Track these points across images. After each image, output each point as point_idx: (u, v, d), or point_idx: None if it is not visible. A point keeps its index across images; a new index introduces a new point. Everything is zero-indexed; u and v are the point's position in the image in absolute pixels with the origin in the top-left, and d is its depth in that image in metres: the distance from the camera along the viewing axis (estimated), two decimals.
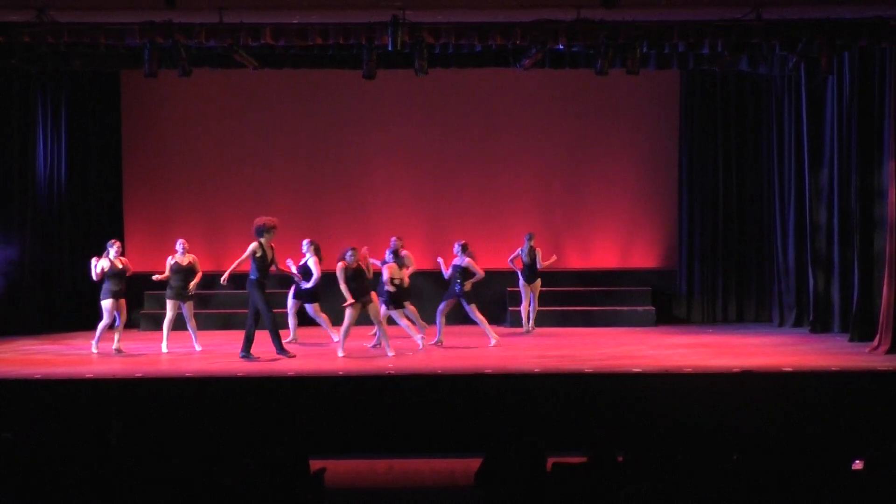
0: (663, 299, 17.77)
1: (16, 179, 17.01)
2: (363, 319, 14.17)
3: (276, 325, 13.72)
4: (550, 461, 7.07)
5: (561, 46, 13.07)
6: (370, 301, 13.81)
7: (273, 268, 13.90)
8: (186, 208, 18.22)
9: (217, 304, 17.42)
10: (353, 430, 11.88)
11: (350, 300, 13.67)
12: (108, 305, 14.04)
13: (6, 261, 16.83)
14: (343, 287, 13.73)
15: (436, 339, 14.84)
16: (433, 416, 11.99)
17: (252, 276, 13.64)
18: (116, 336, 14.16)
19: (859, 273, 14.73)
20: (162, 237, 17.23)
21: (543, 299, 16.51)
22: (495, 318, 16.97)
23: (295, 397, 12.09)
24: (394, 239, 15.09)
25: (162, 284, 14.52)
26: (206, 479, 6.90)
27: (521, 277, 16.19)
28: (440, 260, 15.26)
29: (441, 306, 14.99)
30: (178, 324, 14.50)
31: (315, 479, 7.67)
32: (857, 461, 7.18)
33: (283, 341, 13.89)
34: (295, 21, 12.70)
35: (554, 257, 16.39)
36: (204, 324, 16.08)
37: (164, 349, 14.27)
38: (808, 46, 13.43)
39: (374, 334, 14.60)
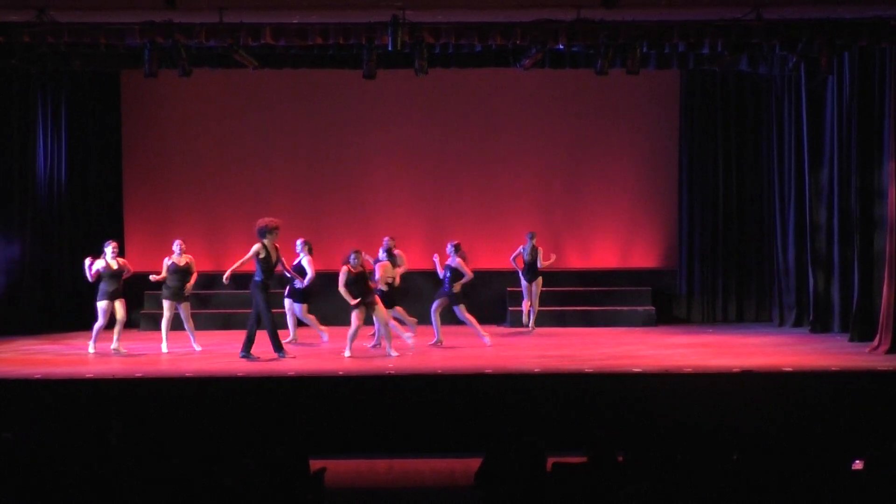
0: (663, 299, 17.77)
1: (16, 179, 17.02)
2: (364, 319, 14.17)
3: (276, 328, 13.72)
4: (550, 461, 7.07)
5: (561, 46, 13.07)
6: (374, 304, 13.79)
7: (279, 267, 13.91)
8: (186, 208, 18.22)
9: (217, 304, 17.41)
10: (353, 430, 11.88)
11: (354, 301, 13.66)
12: (103, 306, 14.04)
13: (7, 260, 16.85)
14: (343, 290, 13.73)
15: (435, 340, 14.84)
16: (433, 416, 11.99)
17: (257, 278, 13.63)
18: (116, 336, 14.15)
19: (859, 273, 14.73)
20: (162, 237, 17.21)
21: (543, 299, 16.51)
22: (496, 318, 16.99)
23: (295, 397, 12.09)
24: (386, 238, 15.12)
25: (161, 285, 14.51)
26: (206, 479, 6.90)
27: (521, 277, 16.21)
28: (436, 259, 15.26)
29: (434, 305, 14.98)
30: (178, 324, 14.50)
31: (315, 479, 7.67)
32: (857, 461, 7.18)
33: (283, 341, 13.89)
34: (295, 21, 12.70)
35: (553, 257, 16.38)
36: (204, 324, 16.09)
37: (164, 349, 14.27)
38: (808, 46, 13.44)
39: (374, 334, 14.61)
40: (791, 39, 13.23)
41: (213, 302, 17.42)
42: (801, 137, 16.26)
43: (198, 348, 14.32)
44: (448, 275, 14.78)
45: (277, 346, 13.62)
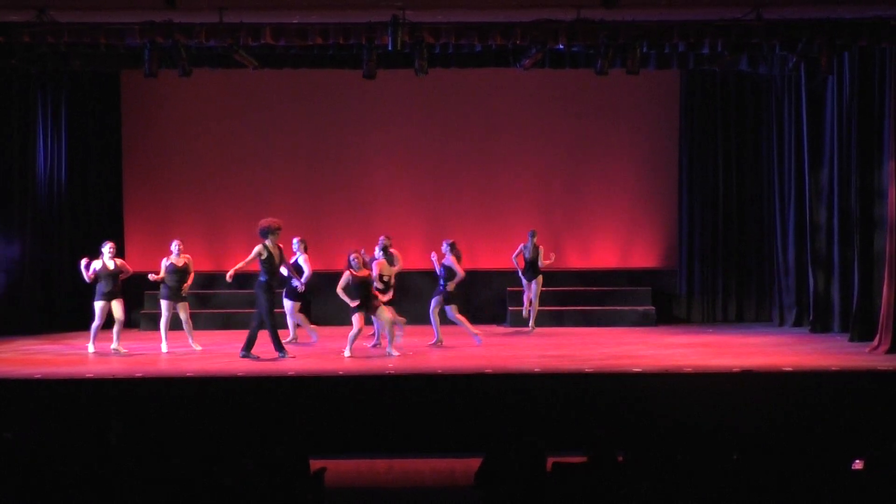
0: (663, 299, 17.77)
1: (16, 179, 17.02)
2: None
3: (276, 329, 13.72)
4: (550, 461, 7.08)
5: (561, 46, 13.08)
6: (377, 307, 13.78)
7: (283, 267, 13.92)
8: (186, 208, 18.22)
9: (217, 303, 17.41)
10: (353, 430, 11.88)
11: (353, 304, 13.66)
12: (100, 307, 14.05)
13: (7, 260, 16.84)
14: (340, 292, 13.73)
15: (434, 340, 14.83)
16: (433, 416, 11.99)
17: (261, 279, 13.63)
18: (115, 336, 14.14)
19: (859, 273, 14.73)
20: (162, 237, 17.17)
21: (543, 299, 16.51)
22: (496, 318, 16.99)
23: (295, 397, 12.09)
24: (382, 237, 15.12)
25: (160, 285, 14.50)
26: (206, 479, 6.90)
27: (521, 276, 16.21)
28: (433, 257, 15.25)
29: (432, 304, 14.98)
30: (177, 324, 14.50)
31: (315, 479, 7.67)
32: (857, 461, 7.19)
33: (283, 341, 13.89)
34: (295, 21, 12.70)
35: (552, 256, 16.38)
36: (204, 324, 16.09)
37: (164, 349, 14.27)
38: (808, 46, 13.44)
39: (374, 334, 14.61)
40: (791, 39, 13.24)
41: (213, 302, 17.42)
42: (801, 137, 16.26)
43: (197, 348, 14.30)
44: (443, 273, 14.79)
45: (278, 346, 13.62)
